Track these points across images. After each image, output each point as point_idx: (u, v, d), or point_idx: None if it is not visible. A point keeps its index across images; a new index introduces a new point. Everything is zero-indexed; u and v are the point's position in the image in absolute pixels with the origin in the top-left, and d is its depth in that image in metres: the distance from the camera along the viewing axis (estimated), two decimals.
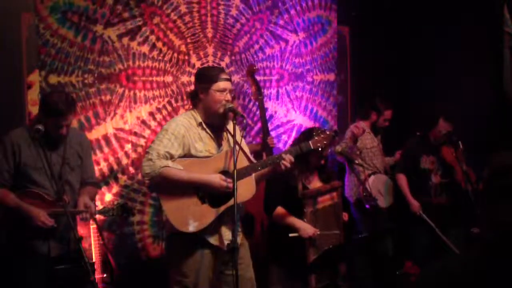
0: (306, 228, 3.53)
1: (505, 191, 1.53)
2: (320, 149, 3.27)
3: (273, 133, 4.98)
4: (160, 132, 3.12)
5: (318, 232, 3.55)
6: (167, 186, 3.01)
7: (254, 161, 3.29)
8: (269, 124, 4.95)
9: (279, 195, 3.64)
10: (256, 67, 4.59)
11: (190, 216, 3.02)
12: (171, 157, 3.01)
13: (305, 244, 3.54)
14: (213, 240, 3.10)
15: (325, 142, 3.28)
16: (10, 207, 3.19)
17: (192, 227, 3.02)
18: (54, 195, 3.25)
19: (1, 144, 3.26)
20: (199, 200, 3.06)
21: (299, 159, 3.46)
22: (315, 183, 3.73)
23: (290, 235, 3.54)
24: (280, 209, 3.62)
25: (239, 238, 3.23)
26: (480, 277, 1.52)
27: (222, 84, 3.11)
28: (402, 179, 4.72)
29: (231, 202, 3.00)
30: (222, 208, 3.07)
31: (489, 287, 1.50)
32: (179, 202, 3.02)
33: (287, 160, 3.12)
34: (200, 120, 3.14)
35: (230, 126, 3.16)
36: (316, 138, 3.28)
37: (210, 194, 3.06)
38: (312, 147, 3.25)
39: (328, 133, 3.30)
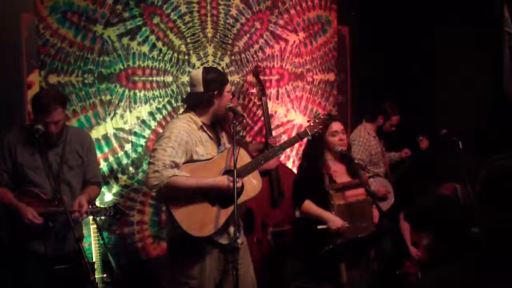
0: (334, 220, 3.57)
1: (506, 195, 1.53)
2: (317, 134, 3.37)
3: (273, 133, 4.98)
4: (161, 139, 3.04)
5: (347, 225, 3.59)
6: (175, 195, 2.98)
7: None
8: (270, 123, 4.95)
9: (306, 188, 3.70)
10: (261, 68, 4.62)
11: (203, 220, 3.01)
12: (176, 166, 2.98)
13: (333, 237, 3.58)
14: (222, 239, 3.10)
15: (320, 126, 3.37)
16: (7, 206, 3.20)
17: (207, 231, 3.01)
18: (52, 194, 3.25)
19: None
20: (209, 203, 3.05)
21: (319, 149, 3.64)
22: (343, 178, 3.75)
23: (319, 227, 3.58)
24: (308, 202, 3.68)
25: (242, 237, 3.24)
26: (481, 278, 1.52)
27: (229, 84, 3.19)
28: (406, 229, 4.64)
29: (239, 200, 3.01)
30: (231, 207, 3.05)
31: None
32: (190, 208, 3.00)
33: None
34: (200, 123, 3.12)
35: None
36: (312, 124, 3.36)
37: (219, 196, 3.05)
38: (309, 133, 3.34)
39: (322, 117, 3.40)
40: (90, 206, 3.36)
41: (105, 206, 3.50)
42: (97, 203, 4.13)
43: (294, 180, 3.82)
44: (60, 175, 3.30)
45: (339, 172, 3.74)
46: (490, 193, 1.57)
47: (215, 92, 3.10)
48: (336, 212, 3.64)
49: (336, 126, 3.78)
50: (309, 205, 3.68)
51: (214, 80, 3.12)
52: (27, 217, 3.13)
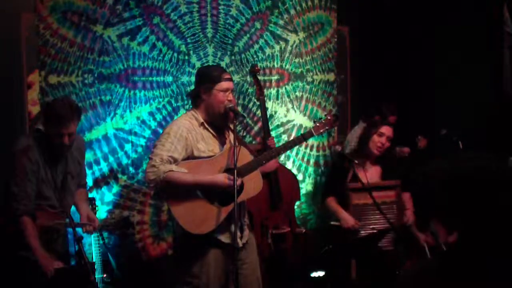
0: (347, 219, 3.75)
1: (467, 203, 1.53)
2: (322, 135, 3.40)
3: (272, 133, 4.98)
4: (162, 135, 3.06)
5: (359, 224, 3.73)
6: (174, 191, 2.98)
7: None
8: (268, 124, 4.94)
9: (333, 184, 3.95)
10: (258, 68, 4.60)
11: (201, 217, 3.01)
12: (175, 161, 2.98)
13: (347, 234, 3.74)
14: (224, 238, 3.09)
15: (326, 127, 3.36)
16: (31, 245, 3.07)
17: (204, 229, 3.00)
18: (57, 206, 3.21)
19: (24, 162, 3.08)
20: (207, 200, 3.04)
21: (360, 145, 3.87)
22: (373, 178, 3.76)
23: (332, 223, 3.82)
24: (330, 199, 3.92)
25: (247, 236, 3.22)
26: (454, 276, 1.53)
27: (225, 84, 3.10)
28: (408, 200, 4.68)
29: (238, 199, 3.01)
30: (231, 206, 3.04)
31: None
32: (188, 205, 3.00)
33: None
34: (201, 120, 3.12)
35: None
36: (317, 124, 3.34)
37: (218, 194, 3.05)
38: (314, 134, 3.33)
39: (329, 118, 3.38)
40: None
41: (115, 220, 3.48)
42: (98, 203, 4.15)
43: (326, 173, 4.16)
44: (65, 187, 3.27)
45: (370, 173, 3.77)
46: (451, 200, 1.56)
47: (202, 88, 3.10)
48: (352, 211, 3.74)
49: (385, 129, 3.90)
50: (330, 202, 3.92)
51: (204, 75, 3.13)
52: (48, 269, 3.04)
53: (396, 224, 3.76)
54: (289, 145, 3.38)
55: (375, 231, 3.76)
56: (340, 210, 3.81)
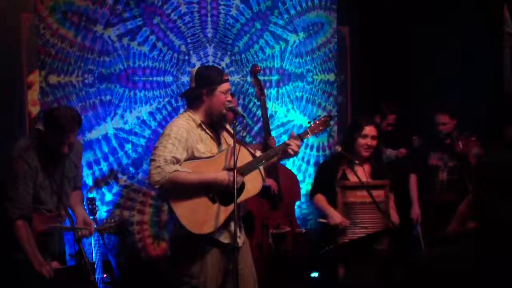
0: (334, 215, 3.74)
1: (504, 188, 1.55)
2: (317, 135, 3.40)
3: (272, 133, 4.98)
4: (162, 137, 3.05)
5: (347, 222, 3.70)
6: (177, 191, 2.97)
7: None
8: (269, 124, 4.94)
9: (322, 182, 3.94)
10: (259, 68, 4.60)
11: (204, 217, 3.00)
12: (177, 162, 2.98)
13: (335, 232, 3.73)
14: (223, 238, 3.09)
15: (321, 127, 3.37)
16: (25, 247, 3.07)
17: (207, 228, 3.00)
18: (54, 209, 3.20)
19: (22, 167, 3.07)
20: (209, 200, 3.04)
21: (347, 148, 3.81)
22: (362, 177, 3.75)
23: (320, 220, 3.83)
24: (318, 196, 3.92)
25: (242, 237, 3.23)
26: (480, 275, 1.53)
27: (226, 86, 3.12)
28: (413, 180, 4.68)
29: (239, 198, 3.01)
30: (232, 206, 3.03)
31: (488, 285, 1.51)
32: (191, 205, 2.99)
33: (294, 144, 3.18)
34: (199, 121, 3.12)
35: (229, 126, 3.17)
36: (312, 125, 3.36)
37: (220, 193, 3.05)
38: (310, 134, 3.34)
39: (322, 119, 3.39)
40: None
41: (111, 224, 3.48)
42: (98, 203, 4.15)
43: (315, 171, 4.12)
44: (62, 190, 3.25)
45: (360, 172, 3.76)
46: (490, 181, 1.60)
47: (204, 90, 3.09)
48: (340, 209, 3.74)
49: (368, 130, 3.87)
50: (318, 199, 3.91)
51: (207, 77, 3.10)
52: (43, 269, 3.05)
53: (383, 224, 3.76)
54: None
55: (369, 232, 3.75)
56: (328, 207, 3.81)
